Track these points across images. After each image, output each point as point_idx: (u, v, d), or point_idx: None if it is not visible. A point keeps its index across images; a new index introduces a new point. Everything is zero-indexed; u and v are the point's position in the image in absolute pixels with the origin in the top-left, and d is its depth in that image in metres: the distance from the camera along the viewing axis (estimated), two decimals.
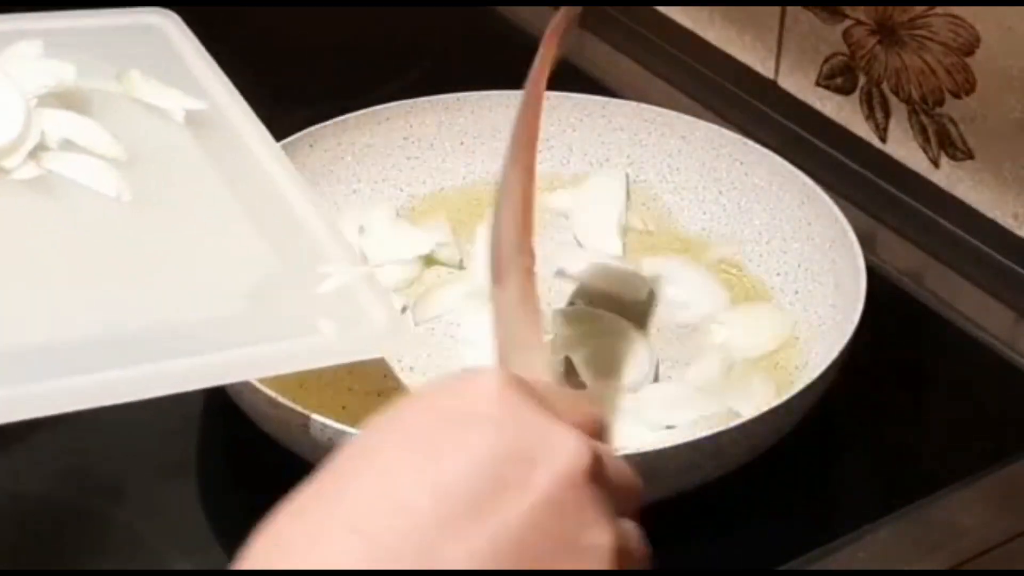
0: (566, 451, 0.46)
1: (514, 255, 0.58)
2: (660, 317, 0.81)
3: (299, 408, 0.67)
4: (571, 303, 0.80)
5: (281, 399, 0.67)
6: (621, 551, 0.47)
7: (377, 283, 0.69)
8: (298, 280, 0.68)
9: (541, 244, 0.82)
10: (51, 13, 0.77)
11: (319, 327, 0.64)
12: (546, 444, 0.46)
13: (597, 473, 0.47)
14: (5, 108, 0.67)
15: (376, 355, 0.68)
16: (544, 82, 0.65)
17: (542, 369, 0.55)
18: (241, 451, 0.73)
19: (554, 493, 0.45)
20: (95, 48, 0.76)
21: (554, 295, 0.80)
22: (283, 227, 0.70)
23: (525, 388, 0.48)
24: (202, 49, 0.78)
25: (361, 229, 0.85)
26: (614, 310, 0.80)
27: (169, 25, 0.80)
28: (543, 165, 0.89)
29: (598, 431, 0.50)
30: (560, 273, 0.81)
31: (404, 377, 0.76)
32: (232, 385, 0.70)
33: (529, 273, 0.58)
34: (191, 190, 0.71)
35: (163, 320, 0.63)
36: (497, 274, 0.58)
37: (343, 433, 0.65)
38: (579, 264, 0.82)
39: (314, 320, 0.64)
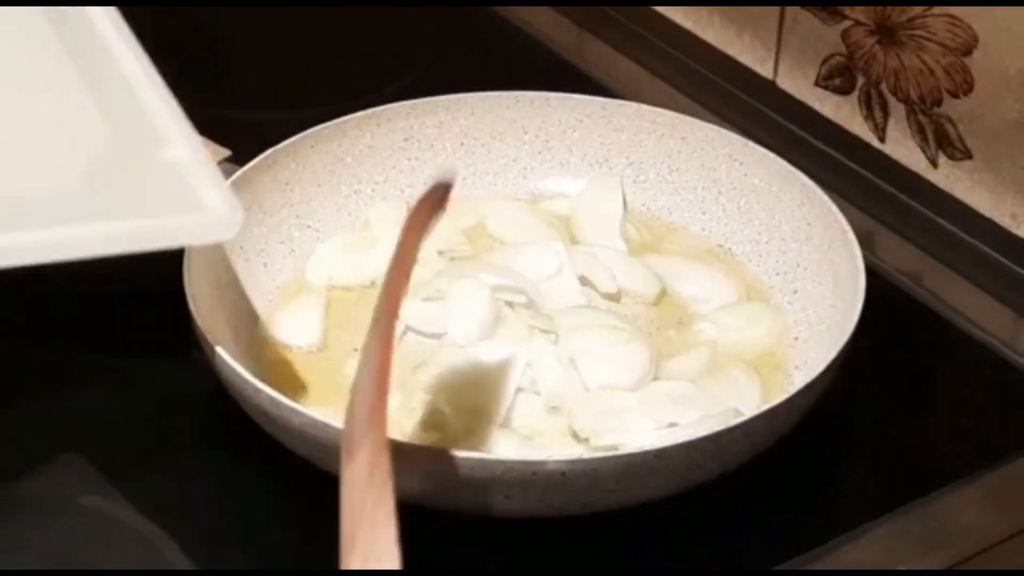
0: None
1: (366, 429, 0.57)
2: (661, 316, 0.81)
3: (299, 408, 0.67)
4: (574, 302, 0.80)
5: (282, 399, 0.67)
6: None
7: (213, 168, 0.65)
8: (134, 159, 0.64)
9: (542, 246, 0.83)
10: None
11: (151, 209, 0.61)
12: None
13: None
14: None
15: (209, 240, 0.65)
16: (410, 264, 0.63)
17: (387, 546, 0.54)
18: (241, 450, 0.73)
19: None
20: None
21: (556, 294, 0.80)
22: (125, 105, 0.66)
23: None
24: None
25: (365, 225, 0.86)
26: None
27: None
28: (544, 167, 0.90)
29: None
30: (566, 272, 0.81)
31: (406, 377, 0.76)
32: (233, 384, 0.70)
33: (380, 448, 0.56)
34: (35, 62, 0.68)
35: None
36: (347, 448, 0.57)
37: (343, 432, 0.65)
38: (585, 262, 0.82)
39: (146, 201, 0.62)
